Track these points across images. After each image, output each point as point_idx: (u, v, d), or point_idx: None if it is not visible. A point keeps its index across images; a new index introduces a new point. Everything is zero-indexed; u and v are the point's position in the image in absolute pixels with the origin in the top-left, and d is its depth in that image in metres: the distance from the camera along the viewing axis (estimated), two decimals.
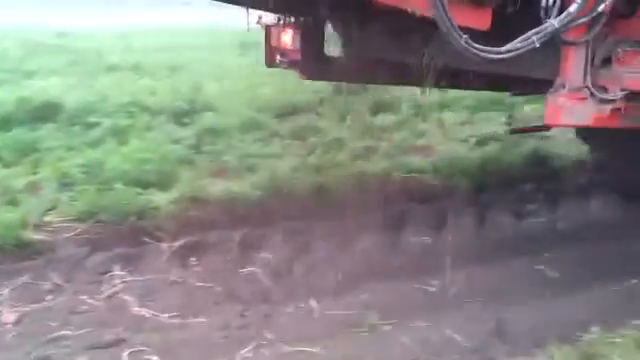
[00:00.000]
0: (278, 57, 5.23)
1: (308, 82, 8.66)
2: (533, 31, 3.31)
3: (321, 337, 4.07)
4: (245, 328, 4.25)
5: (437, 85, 4.87)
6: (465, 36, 3.18)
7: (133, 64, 10.36)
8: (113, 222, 5.39)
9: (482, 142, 7.46)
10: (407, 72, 4.61)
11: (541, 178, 6.77)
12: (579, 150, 7.38)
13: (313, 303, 4.54)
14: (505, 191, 6.47)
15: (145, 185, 5.95)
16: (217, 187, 5.99)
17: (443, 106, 8.51)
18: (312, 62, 5.14)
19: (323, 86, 8.40)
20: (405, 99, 8.40)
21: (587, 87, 3.60)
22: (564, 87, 3.59)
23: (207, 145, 6.98)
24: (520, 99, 7.43)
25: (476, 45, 3.21)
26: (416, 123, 7.97)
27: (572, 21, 3.35)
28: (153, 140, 6.91)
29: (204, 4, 5.47)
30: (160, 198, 5.77)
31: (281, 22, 5.13)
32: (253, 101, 8.11)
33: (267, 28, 5.24)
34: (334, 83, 6.90)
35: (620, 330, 3.97)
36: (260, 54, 5.49)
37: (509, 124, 6.38)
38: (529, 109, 7.68)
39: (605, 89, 3.63)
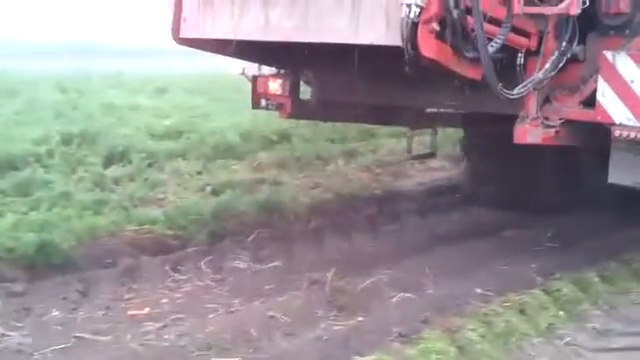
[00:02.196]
0: (263, 101, 6.49)
1: (28, 132, 8.17)
2: (528, 80, 5.02)
3: None
4: None
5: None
6: (500, 84, 4.80)
7: None
8: None
9: (218, 191, 7.50)
10: (362, 112, 6.59)
11: (275, 224, 6.96)
12: (312, 195, 7.75)
13: None
14: (241, 238, 6.55)
15: None
16: None
17: (178, 155, 8.47)
18: (294, 105, 6.43)
19: (45, 137, 7.97)
20: (137, 149, 8.22)
21: (539, 117, 5.19)
22: (527, 117, 5.20)
23: None
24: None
25: (505, 90, 4.85)
26: (150, 173, 7.81)
27: (547, 74, 5.03)
28: None
29: None
30: None
31: (270, 73, 6.48)
32: None
33: (254, 78, 6.50)
34: None
35: None
36: None
37: (409, 151, 7.38)
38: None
39: (547, 118, 5.21)
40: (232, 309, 5.19)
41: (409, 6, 4.29)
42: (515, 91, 4.92)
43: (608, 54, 4.96)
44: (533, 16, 4.96)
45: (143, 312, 5.10)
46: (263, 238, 6.59)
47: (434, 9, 4.35)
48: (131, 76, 15.09)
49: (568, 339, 4.80)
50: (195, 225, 6.51)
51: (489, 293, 5.44)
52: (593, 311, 5.26)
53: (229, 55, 5.98)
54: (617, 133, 4.91)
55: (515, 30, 4.90)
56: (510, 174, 7.29)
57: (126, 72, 15.43)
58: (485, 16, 4.55)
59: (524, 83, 4.99)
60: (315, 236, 6.84)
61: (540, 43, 5.08)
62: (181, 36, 5.67)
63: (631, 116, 4.87)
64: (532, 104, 5.16)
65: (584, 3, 4.82)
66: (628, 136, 4.87)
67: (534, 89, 5.07)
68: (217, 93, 13.22)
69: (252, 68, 6.52)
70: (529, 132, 5.17)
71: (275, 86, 6.36)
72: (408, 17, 4.30)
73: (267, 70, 6.56)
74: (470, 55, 4.62)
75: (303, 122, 10.04)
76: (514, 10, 4.76)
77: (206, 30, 5.49)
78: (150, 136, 9.10)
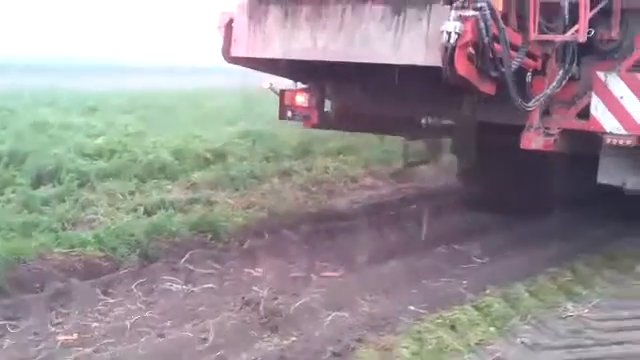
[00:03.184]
0: (289, 113, 7.22)
1: None
2: (541, 94, 5.92)
3: None
4: None
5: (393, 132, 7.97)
6: (520, 99, 5.70)
7: None
8: None
9: (151, 211, 7.39)
10: (379, 122, 7.29)
11: (209, 244, 6.90)
12: (247, 214, 7.71)
13: None
14: (174, 259, 6.46)
15: None
16: None
17: (110, 175, 8.33)
18: (320, 116, 7.17)
19: None
20: (68, 169, 8.06)
21: (541, 127, 6.03)
22: (532, 127, 6.06)
23: None
24: None
25: (524, 103, 5.78)
26: (81, 194, 7.66)
27: (555, 90, 5.99)
28: None
29: None
30: None
31: (297, 87, 7.25)
32: None
33: (282, 91, 7.25)
34: None
35: None
36: None
37: (405, 159, 8.26)
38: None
39: (548, 128, 6.09)
40: (164, 332, 5.12)
41: (449, 33, 5.12)
42: (530, 104, 5.87)
43: (601, 74, 5.91)
44: (541, 42, 5.88)
45: (73, 337, 4.98)
46: (196, 259, 6.51)
47: (469, 36, 5.16)
48: (65, 93, 14.86)
49: (498, 354, 4.90)
50: (127, 247, 6.38)
51: (422, 310, 5.52)
52: (522, 326, 5.39)
53: (271, 72, 6.98)
54: (608, 140, 5.87)
55: (526, 53, 5.80)
56: (498, 177, 7.91)
57: (60, 89, 15.20)
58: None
59: (537, 97, 5.92)
60: (249, 256, 6.81)
61: (544, 64, 6.03)
62: (232, 55, 6.47)
63: (620, 126, 5.82)
64: (536, 115, 6.05)
65: (589, 32, 5.72)
66: (617, 143, 5.85)
67: (544, 102, 6.01)
68: (150, 111, 13.12)
69: (279, 82, 7.42)
70: (533, 139, 6.08)
71: (302, 99, 7.18)
72: (448, 42, 5.13)
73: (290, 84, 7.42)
74: (494, 74, 5.46)
75: (237, 141, 10.10)
76: (530, 37, 5.73)
77: (256, 51, 6.30)
78: (81, 155, 8.95)
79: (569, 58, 5.98)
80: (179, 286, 5.99)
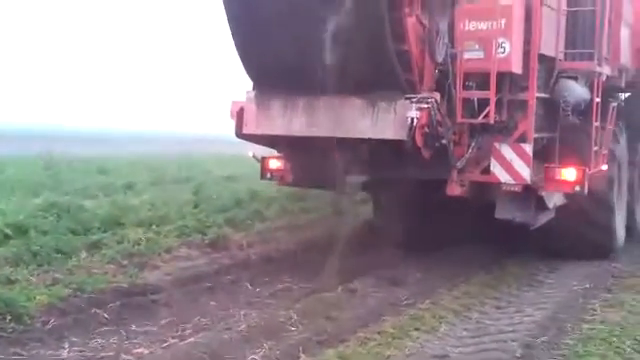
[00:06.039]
0: (268, 174, 9.65)
1: None
2: (464, 156, 8.48)
3: None
4: None
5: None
6: (453, 160, 8.38)
7: None
8: None
9: None
10: (328, 181, 8.84)
11: (5, 327, 6.39)
12: (50, 292, 7.24)
13: None
14: None
15: None
16: None
17: None
18: (292, 176, 9.49)
19: None
20: None
21: (458, 180, 8.62)
22: (453, 180, 8.61)
23: None
24: None
25: (457, 162, 8.42)
26: None
27: (470, 155, 8.54)
28: None
29: None
30: None
31: (273, 155, 9.62)
32: None
33: (263, 158, 9.69)
34: None
35: None
36: None
37: (335, 208, 10.15)
38: None
39: (462, 180, 8.65)
40: None
41: (412, 118, 7.65)
42: (458, 163, 8.46)
43: (497, 144, 8.59)
44: (460, 123, 8.41)
45: None
46: None
47: (424, 120, 7.72)
48: None
49: None
50: None
51: None
52: None
53: (267, 145, 9.33)
54: (503, 188, 8.59)
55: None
56: (411, 220, 10.02)
57: None
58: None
59: (462, 159, 8.50)
60: (54, 337, 6.43)
61: (460, 138, 8.50)
62: (243, 132, 8.69)
63: (511, 179, 8.53)
64: (455, 172, 8.60)
65: (495, 118, 8.38)
66: (509, 189, 8.58)
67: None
68: None
69: (258, 151, 9.65)
70: (454, 188, 8.65)
71: (278, 164, 9.57)
72: (412, 124, 7.63)
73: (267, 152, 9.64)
74: (437, 145, 7.94)
75: (41, 214, 9.57)
76: (457, 120, 8.33)
77: (262, 129, 8.57)
78: None
79: (477, 134, 8.59)
80: None
